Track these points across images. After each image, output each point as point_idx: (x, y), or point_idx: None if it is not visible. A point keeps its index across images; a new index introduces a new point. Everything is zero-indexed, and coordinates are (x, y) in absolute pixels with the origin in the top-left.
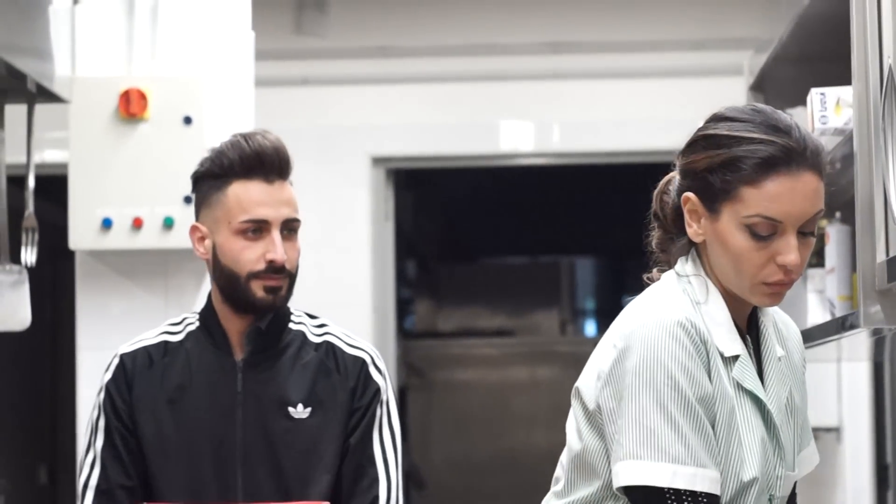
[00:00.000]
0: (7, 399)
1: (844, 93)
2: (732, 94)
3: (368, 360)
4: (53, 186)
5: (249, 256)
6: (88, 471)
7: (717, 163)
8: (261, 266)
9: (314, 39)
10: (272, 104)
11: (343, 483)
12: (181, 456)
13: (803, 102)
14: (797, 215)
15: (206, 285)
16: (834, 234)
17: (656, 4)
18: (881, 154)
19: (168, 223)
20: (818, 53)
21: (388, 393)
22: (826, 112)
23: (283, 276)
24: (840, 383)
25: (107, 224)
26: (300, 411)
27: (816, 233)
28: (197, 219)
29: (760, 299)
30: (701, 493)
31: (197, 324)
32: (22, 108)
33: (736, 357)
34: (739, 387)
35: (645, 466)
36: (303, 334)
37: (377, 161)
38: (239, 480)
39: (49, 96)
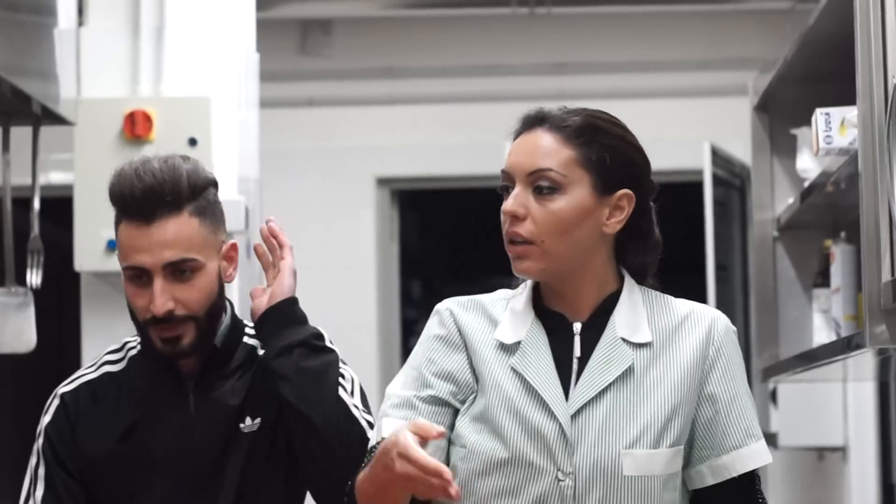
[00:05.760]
0: (11, 421)
1: (849, 113)
2: (737, 114)
3: None
4: (59, 208)
5: (139, 304)
6: None
7: None
8: (149, 315)
9: (319, 60)
10: (277, 125)
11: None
12: (135, 492)
13: (808, 122)
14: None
15: None
16: (839, 253)
17: (661, 25)
18: (886, 174)
19: None
20: (823, 73)
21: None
22: (831, 132)
23: (173, 324)
24: (846, 403)
25: (112, 246)
26: (249, 424)
27: (563, 196)
28: None
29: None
30: None
31: (139, 347)
32: (27, 130)
33: None
34: None
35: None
36: (254, 349)
37: (382, 181)
38: None
39: (54, 118)
